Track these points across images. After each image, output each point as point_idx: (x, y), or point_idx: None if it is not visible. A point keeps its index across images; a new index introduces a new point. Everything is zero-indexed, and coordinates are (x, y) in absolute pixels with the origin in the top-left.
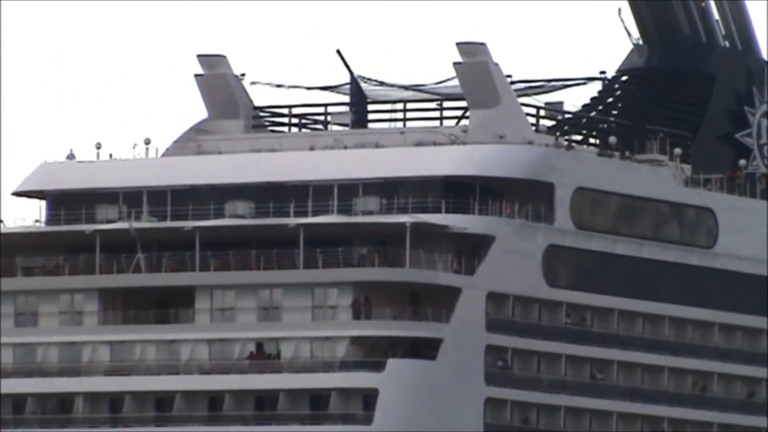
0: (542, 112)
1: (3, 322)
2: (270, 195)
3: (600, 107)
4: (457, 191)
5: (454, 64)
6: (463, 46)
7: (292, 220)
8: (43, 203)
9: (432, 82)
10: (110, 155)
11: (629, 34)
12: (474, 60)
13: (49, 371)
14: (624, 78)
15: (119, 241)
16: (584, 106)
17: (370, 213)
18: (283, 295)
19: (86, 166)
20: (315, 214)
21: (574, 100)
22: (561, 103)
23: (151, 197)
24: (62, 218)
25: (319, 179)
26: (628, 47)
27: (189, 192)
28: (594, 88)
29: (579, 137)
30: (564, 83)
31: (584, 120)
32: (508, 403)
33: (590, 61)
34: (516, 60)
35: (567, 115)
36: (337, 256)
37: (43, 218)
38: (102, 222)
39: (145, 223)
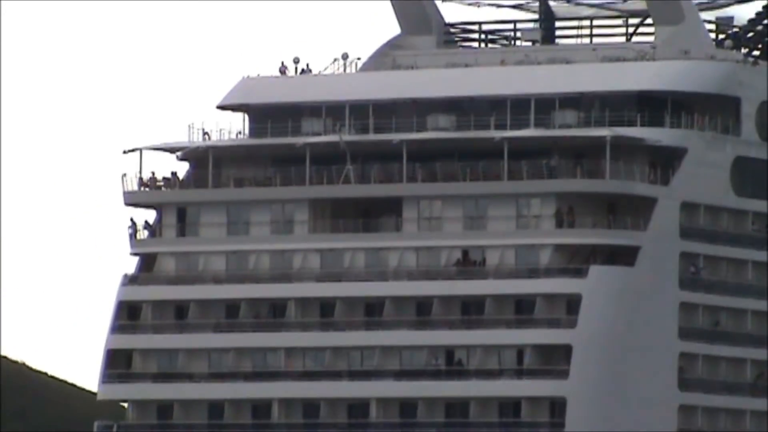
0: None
1: (215, 231)
2: (469, 108)
3: (766, 21)
4: (650, 105)
5: None
6: None
7: (497, 134)
8: (245, 116)
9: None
10: (304, 67)
11: None
12: None
13: (261, 278)
14: None
15: (328, 153)
16: (750, 20)
17: (568, 126)
18: (488, 204)
19: (288, 80)
20: (513, 127)
21: (742, 14)
22: (731, 17)
23: (353, 111)
24: (268, 131)
25: (517, 93)
26: None
27: (391, 105)
28: (759, 3)
29: (756, 51)
30: None
31: (753, 34)
32: (699, 307)
33: None
34: None
35: (735, 29)
36: (541, 168)
37: (246, 131)
38: (308, 135)
39: (353, 136)
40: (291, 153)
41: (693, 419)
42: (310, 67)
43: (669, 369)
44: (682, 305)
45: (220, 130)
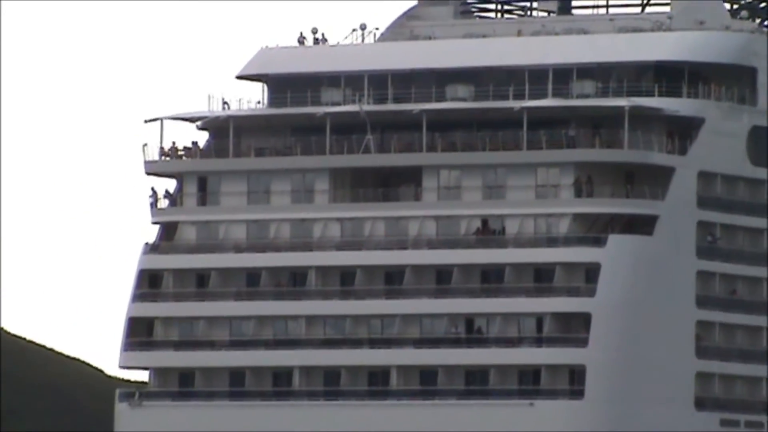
0: None
1: (235, 200)
2: (488, 78)
3: None
4: (667, 76)
5: None
6: None
7: (517, 104)
8: (263, 86)
9: None
10: (320, 37)
11: None
12: None
13: (281, 246)
14: None
15: (348, 123)
16: None
17: (586, 96)
18: (507, 174)
19: (306, 50)
20: (531, 97)
21: None
22: None
23: (372, 81)
24: (287, 101)
25: (535, 63)
26: None
27: (409, 75)
28: None
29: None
30: None
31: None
32: (716, 275)
33: None
34: None
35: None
36: (559, 138)
37: (265, 101)
38: (327, 104)
39: (374, 106)
40: (311, 123)
41: (710, 386)
42: (327, 37)
43: (686, 337)
44: (699, 274)
45: (239, 100)
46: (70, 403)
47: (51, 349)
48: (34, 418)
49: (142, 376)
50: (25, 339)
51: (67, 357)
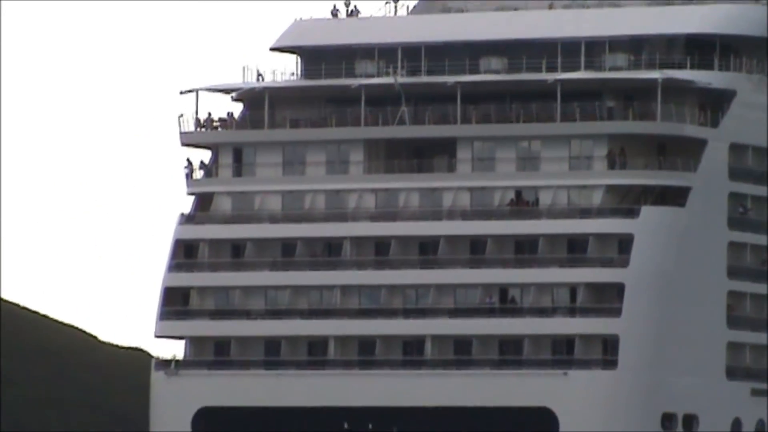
0: None
1: (270, 171)
2: (521, 51)
3: None
4: (699, 48)
5: None
6: None
7: (551, 76)
8: (298, 58)
9: None
10: (353, 9)
11: None
12: None
13: (316, 217)
14: None
15: (382, 95)
16: None
17: (618, 69)
18: (541, 146)
19: (340, 22)
20: (564, 70)
21: None
22: None
23: (405, 53)
24: (322, 73)
25: (567, 36)
26: None
27: (443, 48)
28: None
29: None
30: None
31: None
32: (747, 246)
33: None
34: None
35: None
36: (593, 110)
37: (299, 73)
38: (361, 76)
39: (408, 78)
40: (346, 94)
41: (741, 356)
42: (359, 9)
43: (718, 307)
44: (730, 245)
45: (273, 72)
46: (63, 369)
47: (45, 316)
48: (29, 384)
49: (175, 347)
50: (18, 305)
51: (61, 323)
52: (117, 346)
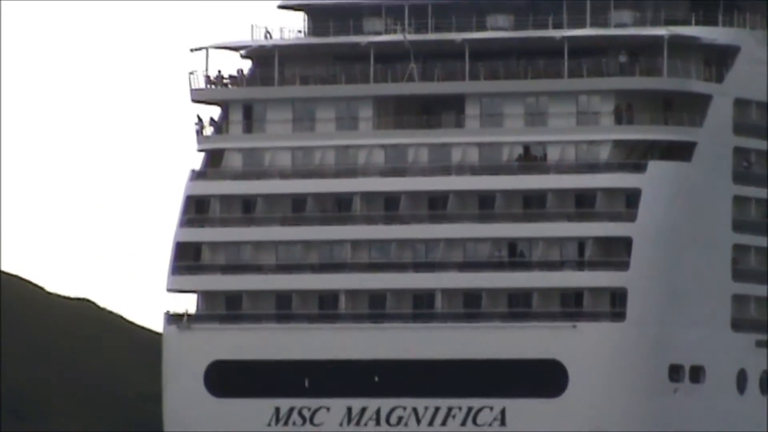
0: None
1: (280, 128)
2: (527, 8)
3: None
4: (703, 5)
5: None
6: None
7: (558, 33)
8: (305, 16)
9: None
10: None
11: None
12: None
13: (326, 173)
14: None
15: (391, 52)
16: None
17: (624, 26)
18: (548, 101)
19: None
20: (570, 27)
21: None
22: None
23: (412, 11)
24: (329, 30)
25: None
26: None
27: (449, 6)
28: None
29: None
30: None
31: None
32: (752, 200)
33: None
34: None
35: None
36: (600, 66)
37: (306, 30)
38: (369, 34)
39: (417, 36)
40: (355, 52)
41: (746, 308)
42: None
43: (723, 260)
44: (735, 198)
45: (281, 29)
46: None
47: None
48: None
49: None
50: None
51: (7, 274)
52: (63, 296)
